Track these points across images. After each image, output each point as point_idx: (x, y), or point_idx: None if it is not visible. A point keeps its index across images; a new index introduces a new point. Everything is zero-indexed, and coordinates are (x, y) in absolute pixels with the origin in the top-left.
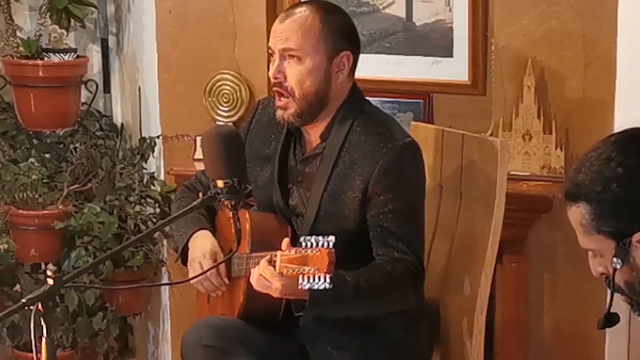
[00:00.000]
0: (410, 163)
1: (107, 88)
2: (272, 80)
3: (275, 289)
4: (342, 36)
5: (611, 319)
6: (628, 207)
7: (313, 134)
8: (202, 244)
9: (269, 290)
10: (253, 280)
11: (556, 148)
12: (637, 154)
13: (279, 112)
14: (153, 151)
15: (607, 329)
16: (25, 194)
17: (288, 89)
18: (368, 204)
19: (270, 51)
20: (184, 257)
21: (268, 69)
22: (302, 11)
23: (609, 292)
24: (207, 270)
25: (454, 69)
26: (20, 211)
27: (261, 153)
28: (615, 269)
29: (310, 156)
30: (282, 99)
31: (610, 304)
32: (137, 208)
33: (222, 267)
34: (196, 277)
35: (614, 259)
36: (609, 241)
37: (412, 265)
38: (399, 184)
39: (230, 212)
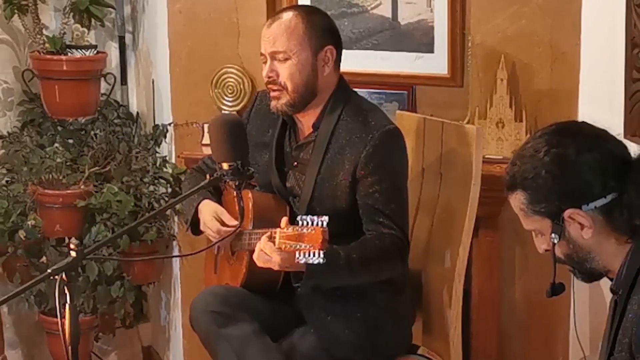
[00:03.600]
0: (393, 148)
1: (124, 80)
2: (266, 79)
3: (274, 263)
4: (324, 33)
5: (557, 288)
6: (556, 189)
7: (306, 123)
8: (205, 210)
9: (269, 264)
10: (255, 254)
11: (526, 134)
12: (559, 144)
13: (273, 103)
14: (165, 137)
15: (573, 298)
16: (50, 176)
17: (281, 84)
18: (357, 186)
19: (262, 56)
20: (193, 228)
21: None
22: (286, 15)
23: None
24: (218, 242)
25: (435, 63)
26: (46, 191)
27: (260, 140)
28: (554, 244)
29: (304, 144)
30: (276, 91)
31: (554, 275)
32: (151, 188)
33: (228, 218)
34: (206, 249)
35: (552, 235)
36: (546, 220)
37: (398, 239)
38: (383, 167)
39: (235, 192)
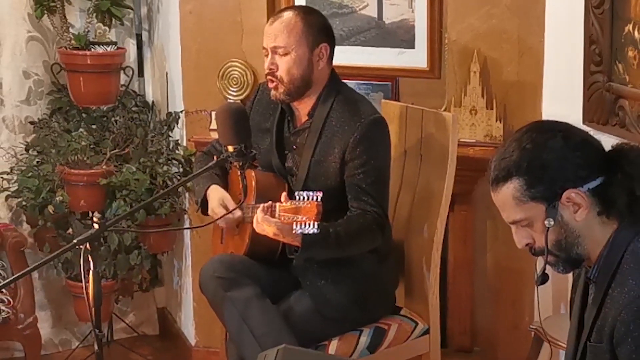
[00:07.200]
0: (378, 134)
1: (141, 73)
2: (267, 71)
3: (270, 231)
4: (319, 31)
5: (546, 277)
6: (555, 171)
7: (302, 112)
8: (214, 196)
9: (266, 232)
10: (255, 225)
11: (496, 121)
12: (545, 133)
13: (272, 93)
14: (177, 123)
15: (538, 266)
16: (76, 157)
17: (279, 76)
18: (345, 167)
19: (264, 50)
20: (203, 208)
21: None
22: (287, 14)
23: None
24: (219, 218)
25: (416, 58)
26: (72, 170)
27: (262, 126)
28: (548, 229)
29: (301, 130)
30: (275, 81)
31: (545, 264)
32: (165, 168)
33: (232, 206)
34: (212, 222)
35: (547, 220)
36: (540, 206)
37: (378, 216)
38: (368, 151)
39: (239, 171)
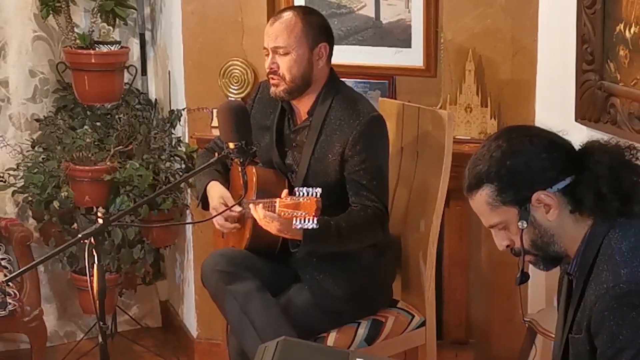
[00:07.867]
0: (377, 132)
1: (144, 71)
2: (268, 70)
3: (274, 228)
4: (319, 31)
5: (525, 277)
6: (523, 176)
7: (302, 110)
8: (214, 193)
9: (270, 228)
10: (257, 219)
11: (491, 118)
12: (514, 138)
13: (272, 89)
14: (179, 120)
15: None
16: (81, 154)
17: (280, 75)
18: (345, 164)
19: (264, 50)
20: (204, 204)
21: None
22: (287, 15)
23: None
24: (221, 213)
25: (412, 57)
26: (77, 167)
27: (262, 124)
28: (522, 230)
29: (301, 127)
30: (275, 80)
31: (523, 264)
32: (167, 164)
33: (234, 209)
34: (213, 217)
35: (520, 222)
36: (512, 209)
37: (379, 210)
38: (368, 148)
39: (240, 168)
